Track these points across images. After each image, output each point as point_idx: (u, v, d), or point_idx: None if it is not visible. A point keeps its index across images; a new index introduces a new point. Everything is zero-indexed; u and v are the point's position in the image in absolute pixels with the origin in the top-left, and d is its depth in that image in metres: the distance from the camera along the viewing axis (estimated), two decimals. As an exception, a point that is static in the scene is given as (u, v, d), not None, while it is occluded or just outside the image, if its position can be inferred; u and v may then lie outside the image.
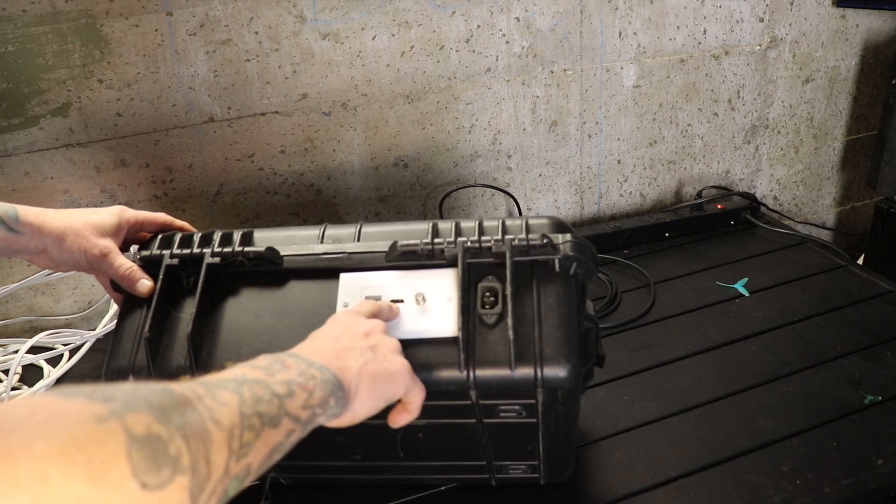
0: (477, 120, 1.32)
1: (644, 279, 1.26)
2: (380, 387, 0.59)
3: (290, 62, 1.17)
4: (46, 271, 1.13)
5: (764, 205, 1.52)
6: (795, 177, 1.66)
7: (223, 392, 0.45)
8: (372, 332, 0.62)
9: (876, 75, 1.61)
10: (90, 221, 0.74)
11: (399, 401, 0.63)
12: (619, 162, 1.47)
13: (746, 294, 1.20)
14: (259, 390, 0.48)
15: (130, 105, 1.11)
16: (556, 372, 0.65)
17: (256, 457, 0.45)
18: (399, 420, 0.63)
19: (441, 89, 1.28)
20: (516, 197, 1.39)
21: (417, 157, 1.31)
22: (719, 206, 1.45)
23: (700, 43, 1.43)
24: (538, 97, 1.35)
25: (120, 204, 1.15)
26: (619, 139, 1.45)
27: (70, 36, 1.04)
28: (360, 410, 0.58)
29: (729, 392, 0.98)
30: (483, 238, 0.70)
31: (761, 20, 1.46)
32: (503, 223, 0.72)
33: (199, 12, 1.09)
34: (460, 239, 0.70)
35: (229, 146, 1.19)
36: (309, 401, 0.52)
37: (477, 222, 0.72)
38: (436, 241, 0.70)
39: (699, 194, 1.50)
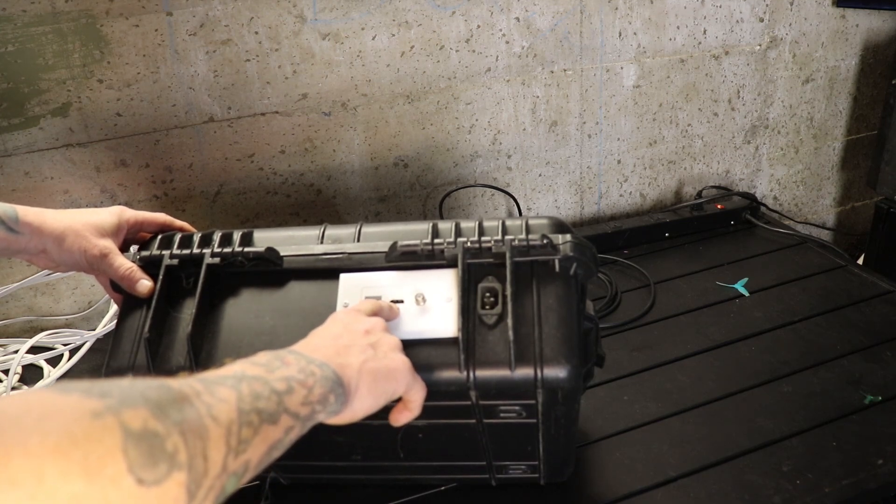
0: (477, 120, 1.32)
1: (644, 279, 1.26)
2: (380, 384, 0.59)
3: (290, 62, 1.17)
4: (46, 271, 1.13)
5: (764, 205, 1.52)
6: (795, 177, 1.66)
7: (221, 388, 0.45)
8: (372, 330, 0.62)
9: (876, 75, 1.61)
10: (90, 222, 0.74)
11: (399, 399, 0.63)
12: (619, 162, 1.47)
13: (746, 294, 1.20)
14: (258, 387, 0.48)
15: (130, 105, 1.11)
16: (556, 372, 0.65)
17: (255, 453, 0.45)
18: (400, 419, 0.63)
19: (441, 89, 1.28)
20: (516, 197, 1.39)
21: (417, 157, 1.31)
22: (719, 206, 1.45)
23: (700, 43, 1.43)
24: (538, 97, 1.35)
25: (120, 204, 1.16)
26: (619, 139, 1.45)
27: (70, 36, 1.04)
28: (360, 408, 0.58)
29: (729, 392, 0.98)
30: (483, 238, 0.70)
31: (761, 20, 1.46)
32: (503, 223, 0.72)
33: (199, 12, 1.09)
34: (460, 239, 0.70)
35: (229, 146, 1.19)
36: (308, 397, 0.51)
37: (477, 222, 0.72)
38: (436, 241, 0.70)
39: (699, 194, 1.50)
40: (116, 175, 1.14)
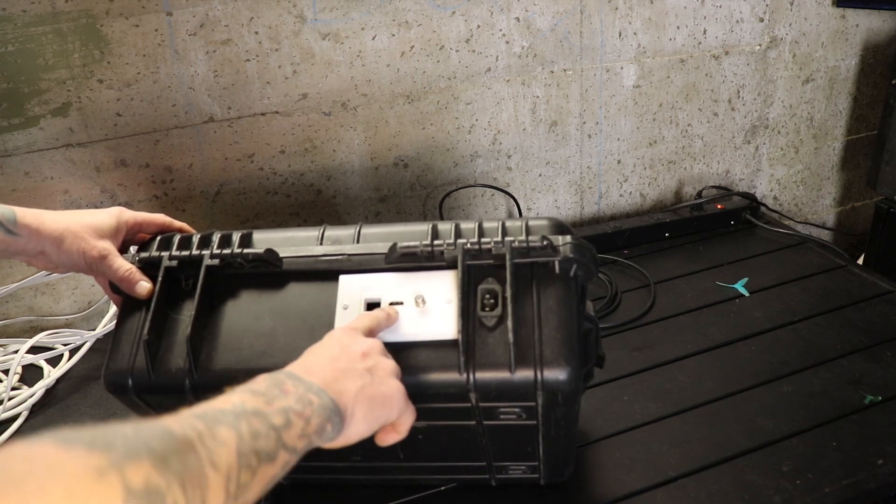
0: (477, 120, 1.32)
1: (644, 279, 1.26)
2: (375, 411, 0.59)
3: (290, 62, 1.17)
4: (46, 271, 1.13)
5: (764, 205, 1.52)
6: (795, 177, 1.66)
7: (222, 428, 0.45)
8: (370, 353, 0.62)
9: (876, 75, 1.61)
10: (89, 223, 0.74)
11: None
12: (619, 162, 1.47)
13: (746, 294, 1.20)
14: (257, 424, 0.48)
15: (130, 105, 1.11)
16: (556, 375, 0.65)
17: (252, 494, 0.46)
18: (387, 440, 0.64)
19: (441, 89, 1.28)
20: (516, 197, 1.39)
21: (417, 157, 1.31)
22: (719, 206, 1.45)
23: (700, 43, 1.43)
24: (538, 97, 1.35)
25: (120, 204, 1.16)
26: (619, 139, 1.45)
27: (70, 36, 1.04)
28: (354, 433, 0.58)
29: (729, 392, 0.98)
30: (483, 240, 0.70)
31: (761, 20, 1.46)
32: (503, 225, 0.71)
33: (199, 12, 1.09)
34: (460, 241, 0.70)
35: (229, 146, 1.19)
36: (306, 429, 0.52)
37: (477, 224, 0.72)
38: (435, 242, 0.70)
39: (699, 194, 1.50)
40: (116, 175, 1.14)
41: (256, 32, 1.13)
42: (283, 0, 1.13)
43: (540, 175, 1.42)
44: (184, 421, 0.44)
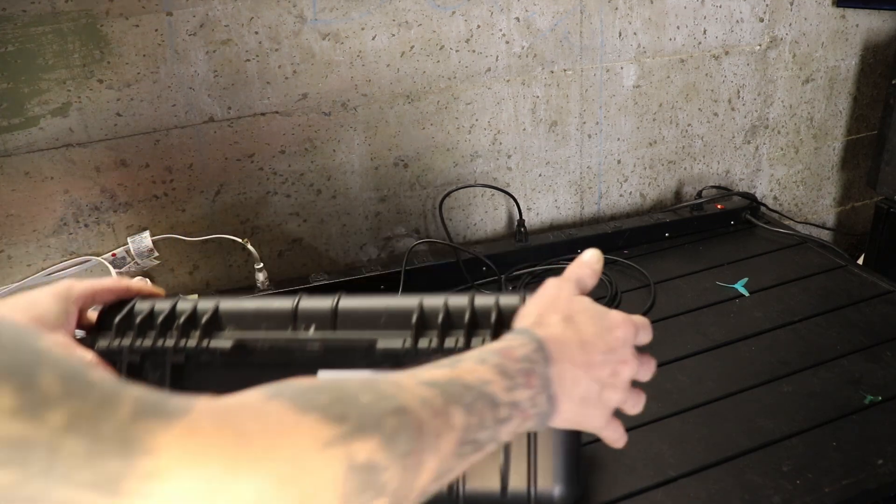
0: (477, 120, 1.32)
1: (644, 279, 1.26)
2: (577, 417, 0.56)
3: (290, 62, 1.17)
4: (47, 271, 1.13)
5: (764, 205, 1.52)
6: (795, 177, 1.66)
7: (456, 413, 0.45)
8: (629, 361, 0.59)
9: (876, 75, 1.61)
10: (33, 316, 0.65)
11: None
12: (619, 162, 1.47)
13: (746, 294, 1.20)
14: (487, 415, 0.47)
15: (130, 105, 1.11)
16: (551, 492, 0.60)
17: (452, 476, 0.46)
18: None
19: (441, 89, 1.28)
20: (516, 197, 1.39)
21: (417, 157, 1.31)
22: (719, 206, 1.45)
23: (700, 43, 1.43)
24: (538, 97, 1.35)
25: (120, 204, 1.16)
26: (619, 139, 1.45)
27: (70, 36, 1.04)
28: None
29: (729, 392, 0.98)
30: (473, 340, 0.62)
31: (761, 20, 1.46)
32: (498, 308, 0.64)
33: (199, 12, 1.09)
34: (447, 341, 0.63)
35: (229, 146, 1.19)
36: (518, 428, 0.50)
37: (469, 307, 0.64)
38: (419, 343, 0.63)
39: (699, 194, 1.50)
40: (116, 175, 1.14)
41: (256, 32, 1.13)
42: (283, 0, 1.13)
43: (540, 175, 1.42)
44: (423, 393, 0.44)
